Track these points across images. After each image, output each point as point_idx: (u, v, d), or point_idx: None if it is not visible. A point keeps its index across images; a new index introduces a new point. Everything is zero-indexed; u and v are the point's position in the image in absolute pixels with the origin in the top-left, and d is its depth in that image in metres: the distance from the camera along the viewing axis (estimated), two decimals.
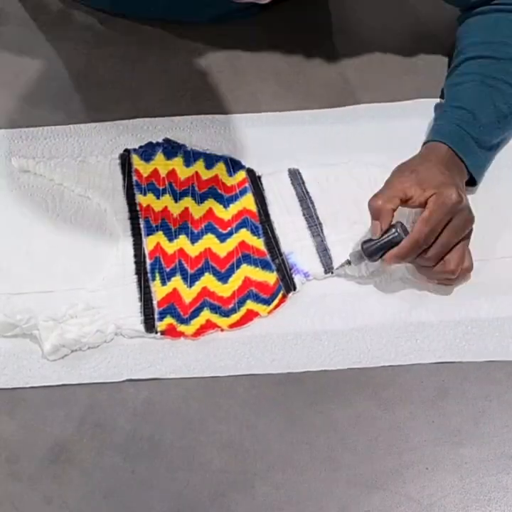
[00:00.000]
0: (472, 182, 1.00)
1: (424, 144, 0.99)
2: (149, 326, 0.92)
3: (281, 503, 0.81)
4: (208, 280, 0.95)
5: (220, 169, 1.04)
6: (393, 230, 0.91)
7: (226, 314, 0.93)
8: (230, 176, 1.03)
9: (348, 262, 0.94)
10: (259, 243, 0.98)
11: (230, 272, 0.96)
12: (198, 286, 0.95)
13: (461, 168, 0.97)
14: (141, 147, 1.05)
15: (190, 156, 1.05)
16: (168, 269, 0.96)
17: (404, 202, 0.91)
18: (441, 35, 1.17)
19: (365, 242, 0.93)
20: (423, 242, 0.89)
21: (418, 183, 0.91)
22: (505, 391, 0.87)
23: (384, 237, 0.91)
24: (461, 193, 0.90)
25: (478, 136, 0.98)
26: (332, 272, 0.95)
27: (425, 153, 0.97)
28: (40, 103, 1.11)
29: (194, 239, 0.98)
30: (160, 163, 1.04)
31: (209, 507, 0.81)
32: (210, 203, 1.01)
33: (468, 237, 0.92)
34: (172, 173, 1.03)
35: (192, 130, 1.08)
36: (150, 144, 1.05)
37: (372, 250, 0.92)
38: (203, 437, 0.85)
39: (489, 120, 0.99)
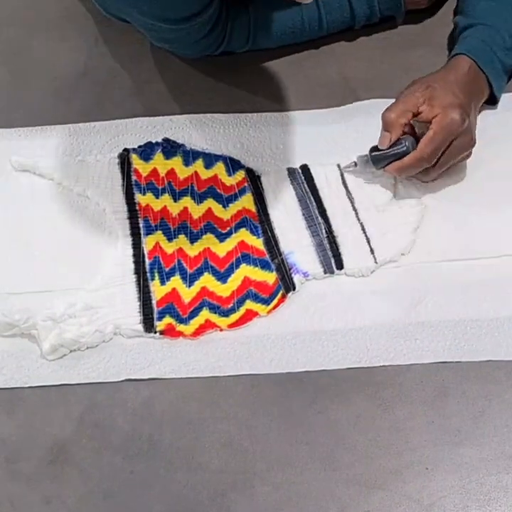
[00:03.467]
0: (493, 101, 1.04)
1: (451, 57, 1.02)
2: (148, 325, 0.92)
3: (281, 503, 0.81)
4: (207, 280, 0.95)
5: (219, 169, 1.03)
6: (402, 143, 0.96)
7: (225, 314, 0.92)
8: (230, 175, 1.03)
9: (355, 164, 0.99)
10: (258, 243, 0.98)
11: (230, 271, 0.95)
12: (197, 285, 0.94)
13: (482, 86, 1.00)
14: (140, 146, 1.05)
15: (190, 156, 1.04)
16: (167, 269, 0.95)
17: (414, 116, 0.96)
18: (442, 35, 1.17)
19: (373, 148, 0.97)
20: (425, 161, 0.94)
21: (429, 99, 0.95)
22: (505, 391, 0.87)
23: (393, 148, 0.96)
24: (465, 116, 0.94)
25: (504, 59, 1.01)
26: (332, 272, 0.95)
27: (447, 70, 1.00)
28: (39, 102, 1.11)
29: (193, 238, 0.98)
30: (159, 163, 1.04)
31: (209, 507, 0.81)
32: (210, 203, 1.01)
33: (467, 156, 0.98)
34: (171, 173, 1.03)
35: (191, 130, 1.07)
36: (149, 143, 1.05)
37: (378, 158, 0.97)
38: (203, 437, 0.85)
39: None
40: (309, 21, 1.12)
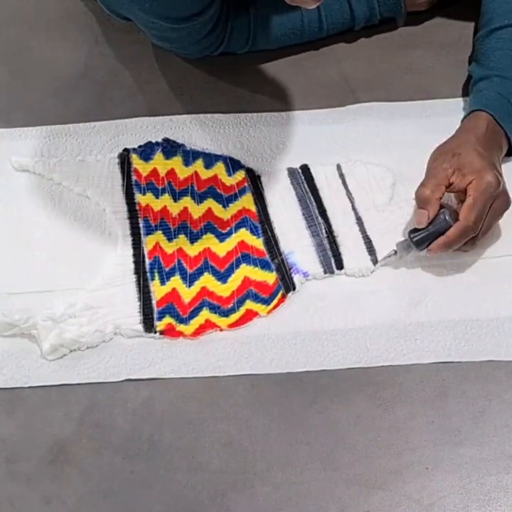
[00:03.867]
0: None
1: (468, 113, 0.99)
2: (148, 325, 0.91)
3: (281, 503, 0.81)
4: (207, 280, 0.95)
5: (219, 169, 1.03)
6: (441, 218, 0.91)
7: (225, 314, 0.92)
8: (230, 175, 1.03)
9: (395, 252, 0.94)
10: (258, 243, 0.98)
11: (230, 271, 0.95)
12: (197, 285, 0.94)
13: (501, 141, 0.97)
14: (140, 146, 1.05)
15: (190, 156, 1.04)
16: (167, 269, 0.95)
17: (447, 188, 0.92)
18: (442, 35, 1.17)
19: (411, 231, 0.93)
20: (471, 229, 0.90)
21: (459, 168, 0.92)
22: (505, 391, 0.87)
23: (431, 226, 0.91)
24: (498, 175, 0.91)
25: None
26: (332, 272, 0.95)
27: (466, 130, 0.97)
28: (39, 102, 1.11)
29: (193, 238, 0.98)
30: (159, 163, 1.03)
31: (209, 507, 0.81)
32: (210, 203, 1.01)
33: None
34: (171, 173, 1.03)
35: (191, 129, 1.07)
36: (149, 143, 1.05)
37: (421, 239, 0.92)
38: (203, 437, 0.85)
39: None
40: (309, 23, 1.12)
